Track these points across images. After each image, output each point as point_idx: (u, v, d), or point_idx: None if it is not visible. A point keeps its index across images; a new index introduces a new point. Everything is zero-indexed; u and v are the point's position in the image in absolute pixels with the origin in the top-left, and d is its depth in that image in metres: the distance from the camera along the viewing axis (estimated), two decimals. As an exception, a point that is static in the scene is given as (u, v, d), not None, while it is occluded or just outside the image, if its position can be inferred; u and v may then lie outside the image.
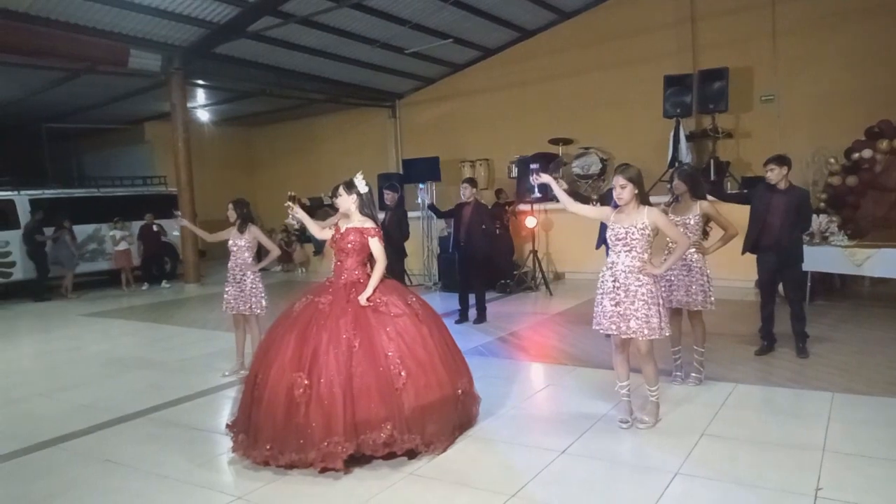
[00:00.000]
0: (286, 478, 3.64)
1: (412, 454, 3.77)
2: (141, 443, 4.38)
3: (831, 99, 10.20)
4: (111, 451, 4.25)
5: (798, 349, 5.69)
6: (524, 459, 3.81)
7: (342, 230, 4.19)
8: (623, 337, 4.09)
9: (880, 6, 9.87)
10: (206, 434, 4.47)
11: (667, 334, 4.17)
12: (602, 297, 4.12)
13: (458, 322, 7.78)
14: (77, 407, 5.28)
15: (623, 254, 4.04)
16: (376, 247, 4.14)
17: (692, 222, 4.82)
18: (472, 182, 7.90)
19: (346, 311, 3.90)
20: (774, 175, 5.51)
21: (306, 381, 3.63)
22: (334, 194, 4.24)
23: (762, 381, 5.07)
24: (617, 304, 4.04)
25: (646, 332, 3.99)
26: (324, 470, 3.58)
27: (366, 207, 4.21)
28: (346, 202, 4.18)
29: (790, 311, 5.72)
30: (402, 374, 3.73)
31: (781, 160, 5.55)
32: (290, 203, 4.39)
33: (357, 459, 3.67)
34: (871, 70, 9.90)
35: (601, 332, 4.19)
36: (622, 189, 4.02)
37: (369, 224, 4.16)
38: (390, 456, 3.71)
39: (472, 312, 7.95)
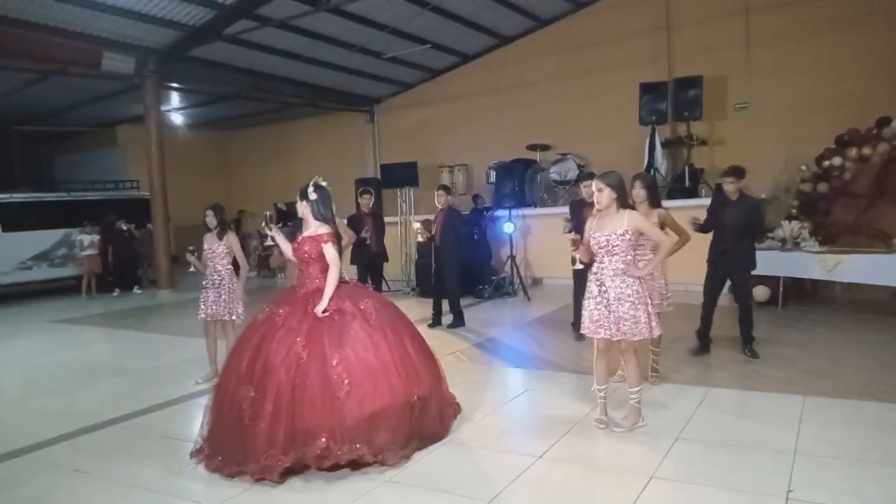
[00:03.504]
0: (261, 486, 3.58)
1: (356, 465, 3.67)
2: (112, 452, 4.30)
3: (803, 107, 10.40)
4: (81, 460, 4.16)
5: (747, 351, 5.87)
6: (501, 464, 3.80)
7: (299, 239, 4.22)
8: (614, 340, 4.12)
9: (851, 17, 10.09)
10: (180, 443, 4.39)
11: (657, 333, 4.26)
12: (589, 302, 4.18)
13: (430, 326, 7.83)
14: (46, 416, 5.16)
15: (606, 259, 4.11)
16: (329, 252, 4.10)
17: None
18: (445, 189, 8.14)
19: (301, 322, 3.90)
20: (732, 188, 5.74)
21: (253, 394, 3.67)
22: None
23: (735, 385, 5.13)
24: (605, 308, 4.08)
25: (635, 332, 4.04)
26: (260, 481, 3.58)
27: (318, 213, 4.17)
28: (301, 209, 4.23)
29: (738, 315, 5.93)
30: (346, 381, 3.67)
31: (739, 173, 5.75)
32: (267, 224, 4.38)
33: (338, 468, 3.64)
34: (841, 80, 10.11)
35: (589, 336, 4.23)
36: (599, 192, 4.10)
37: (323, 230, 4.15)
38: (335, 468, 3.62)
39: (449, 318, 7.98)
